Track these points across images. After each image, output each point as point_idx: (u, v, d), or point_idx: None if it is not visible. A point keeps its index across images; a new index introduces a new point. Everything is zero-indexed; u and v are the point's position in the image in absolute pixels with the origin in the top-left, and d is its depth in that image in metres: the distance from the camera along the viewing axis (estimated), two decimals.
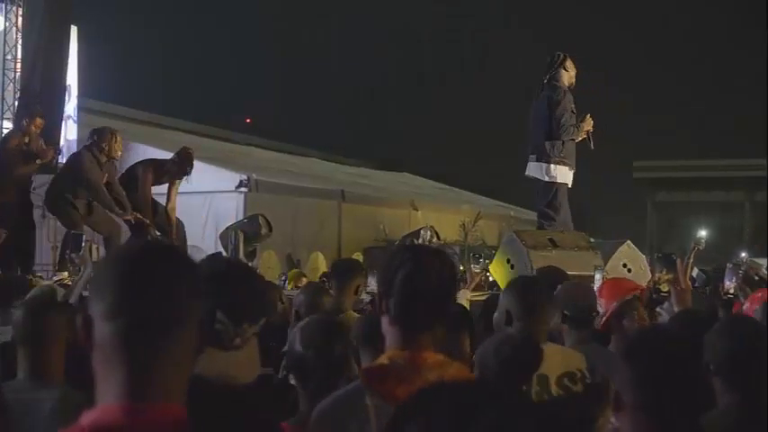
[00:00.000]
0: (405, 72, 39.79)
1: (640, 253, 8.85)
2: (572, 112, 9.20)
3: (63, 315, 3.37)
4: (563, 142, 9.16)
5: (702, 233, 14.83)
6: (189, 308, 1.56)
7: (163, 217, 9.94)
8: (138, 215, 9.56)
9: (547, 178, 9.14)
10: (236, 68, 39.10)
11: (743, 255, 13.21)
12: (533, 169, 9.26)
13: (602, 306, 4.22)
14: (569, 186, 9.31)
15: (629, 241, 8.65)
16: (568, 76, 9.28)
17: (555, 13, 37.39)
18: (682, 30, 37.45)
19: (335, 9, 38.51)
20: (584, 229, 13.59)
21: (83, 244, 9.57)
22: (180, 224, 10.20)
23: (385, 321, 2.35)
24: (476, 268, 7.68)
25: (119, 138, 9.70)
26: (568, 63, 9.31)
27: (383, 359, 2.30)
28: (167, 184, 10.07)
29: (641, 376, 2.17)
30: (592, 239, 8.97)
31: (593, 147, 9.37)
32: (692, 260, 10.69)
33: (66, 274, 9.02)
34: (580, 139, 9.28)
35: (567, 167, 9.19)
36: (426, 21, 39.53)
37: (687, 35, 37.01)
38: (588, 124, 9.28)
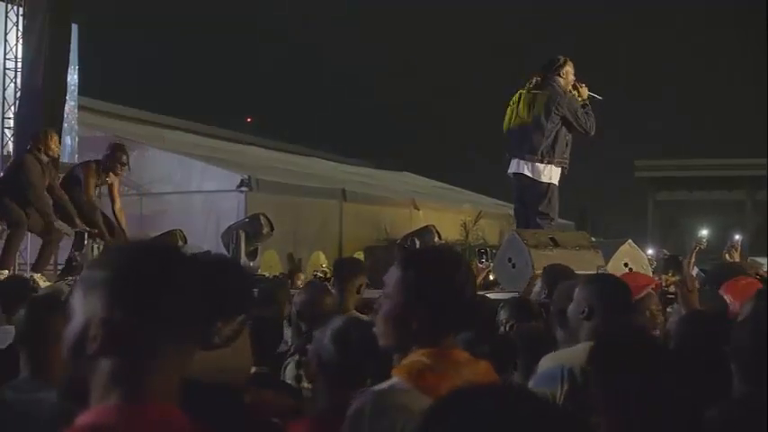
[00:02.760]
0: (405, 71, 39.79)
1: (642, 252, 8.85)
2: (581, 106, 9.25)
3: (65, 315, 3.36)
4: (567, 143, 9.17)
5: (704, 232, 14.78)
6: (183, 307, 1.56)
7: (111, 220, 9.72)
8: (84, 226, 9.39)
9: (544, 179, 9.13)
10: (236, 68, 39.10)
11: (737, 237, 13.12)
12: (529, 168, 9.20)
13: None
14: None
15: (630, 240, 8.64)
16: (565, 82, 9.24)
17: (558, 12, 37.38)
18: (682, 29, 37.43)
19: (336, 9, 38.52)
20: (585, 228, 13.59)
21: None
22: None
23: (408, 320, 2.35)
24: (481, 266, 7.67)
25: (54, 135, 9.66)
26: (566, 69, 9.28)
27: (421, 357, 2.30)
28: (107, 187, 9.85)
29: (605, 380, 2.21)
30: (593, 238, 8.98)
31: (601, 97, 9.40)
32: (693, 259, 10.67)
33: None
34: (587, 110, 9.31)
35: (560, 168, 9.19)
36: (427, 20, 39.52)
37: (688, 34, 37.00)
38: (584, 92, 9.29)
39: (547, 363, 3.36)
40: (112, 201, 9.86)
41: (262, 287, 5.55)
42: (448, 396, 1.28)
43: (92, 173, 9.60)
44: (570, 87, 9.24)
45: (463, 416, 1.22)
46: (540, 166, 9.11)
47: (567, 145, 9.19)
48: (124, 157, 9.75)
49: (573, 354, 3.29)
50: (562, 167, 9.20)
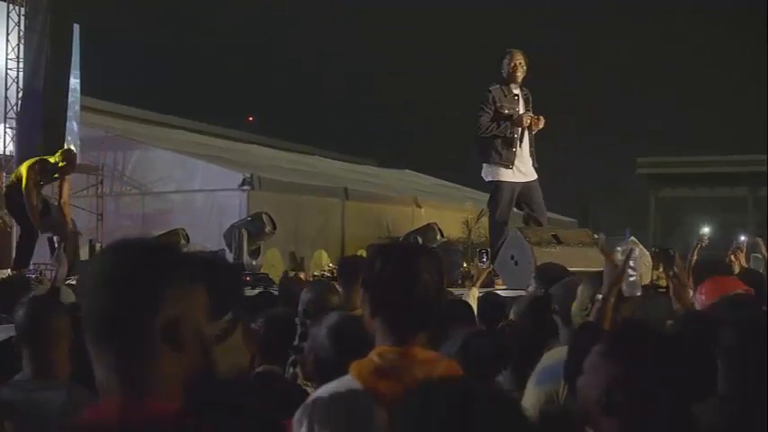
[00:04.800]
0: (406, 70, 39.81)
1: (644, 249, 8.84)
2: (497, 110, 8.94)
3: (65, 314, 3.37)
4: (502, 142, 8.85)
5: (706, 230, 14.78)
6: (153, 307, 1.53)
7: (57, 215, 9.87)
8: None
9: (489, 178, 9.02)
10: (237, 67, 39.11)
11: (742, 238, 13.11)
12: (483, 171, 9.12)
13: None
14: (514, 183, 8.93)
15: (633, 237, 8.65)
16: (507, 78, 9.07)
17: (558, 12, 37.37)
18: (685, 27, 37.42)
19: (337, 8, 38.52)
20: (587, 226, 13.58)
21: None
22: (73, 222, 10.19)
23: (371, 318, 2.36)
24: (482, 265, 7.66)
25: None
26: (504, 62, 9.14)
27: (374, 356, 2.29)
28: (58, 182, 10.05)
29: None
30: (595, 236, 8.98)
31: (519, 146, 8.90)
32: (695, 257, 10.65)
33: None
34: (509, 133, 8.90)
35: (502, 167, 8.87)
36: (427, 20, 39.53)
37: (690, 32, 36.98)
38: (541, 123, 8.92)
39: (550, 358, 3.31)
40: (60, 195, 10.04)
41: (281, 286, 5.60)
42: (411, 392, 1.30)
43: (35, 171, 9.73)
44: (513, 77, 9.05)
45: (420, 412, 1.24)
46: (484, 166, 9.02)
47: (504, 144, 8.86)
48: (71, 169, 10.01)
49: None
50: (502, 165, 8.87)
